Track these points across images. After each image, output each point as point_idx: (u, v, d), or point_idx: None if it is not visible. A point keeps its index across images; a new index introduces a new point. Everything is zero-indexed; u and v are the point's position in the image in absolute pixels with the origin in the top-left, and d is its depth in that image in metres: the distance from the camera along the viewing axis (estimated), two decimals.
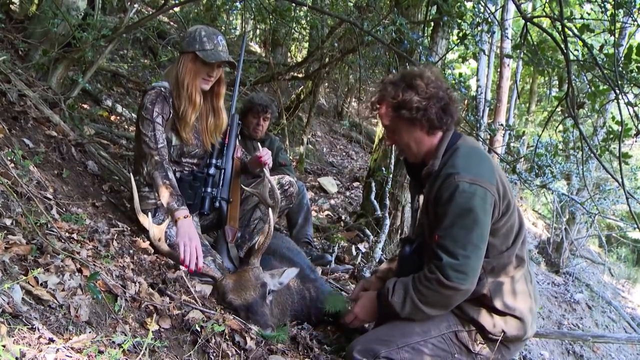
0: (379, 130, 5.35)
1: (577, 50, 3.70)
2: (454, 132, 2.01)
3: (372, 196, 4.80)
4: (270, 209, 2.29)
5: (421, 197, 2.19)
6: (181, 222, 2.28)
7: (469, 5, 3.99)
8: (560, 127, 5.90)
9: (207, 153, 2.64)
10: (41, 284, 1.53)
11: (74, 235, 1.94)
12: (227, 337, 1.84)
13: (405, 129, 1.98)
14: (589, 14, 3.91)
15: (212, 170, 2.59)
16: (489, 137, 6.83)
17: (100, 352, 1.34)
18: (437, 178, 1.91)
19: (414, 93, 1.90)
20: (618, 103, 3.15)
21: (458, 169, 1.85)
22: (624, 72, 3.13)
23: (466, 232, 1.81)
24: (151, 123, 2.37)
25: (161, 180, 2.34)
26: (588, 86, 3.73)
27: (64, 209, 2.21)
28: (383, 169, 4.76)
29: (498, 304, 1.93)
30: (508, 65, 9.01)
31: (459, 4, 3.78)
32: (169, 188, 2.33)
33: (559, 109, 4.13)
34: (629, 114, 3.23)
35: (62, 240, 1.83)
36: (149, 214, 2.44)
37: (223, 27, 6.42)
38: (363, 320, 2.17)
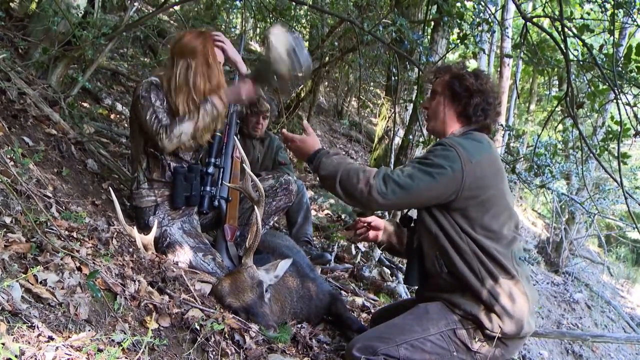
0: (379, 129, 5.36)
1: (577, 50, 3.70)
2: (476, 129, 2.15)
3: None
4: (255, 206, 2.28)
5: None
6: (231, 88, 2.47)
7: (469, 5, 3.99)
8: (560, 127, 5.91)
9: (202, 147, 2.62)
10: (41, 282, 1.53)
11: (74, 234, 1.94)
12: (226, 335, 1.84)
13: (445, 99, 2.14)
14: (588, 14, 3.90)
15: (211, 169, 2.58)
16: None
17: (100, 351, 1.34)
18: None
19: (473, 78, 2.10)
20: (617, 103, 3.16)
21: (451, 139, 2.02)
22: (623, 72, 3.13)
23: (413, 166, 1.95)
24: (151, 106, 2.38)
25: (185, 122, 2.36)
26: (587, 86, 3.73)
27: (64, 207, 2.21)
28: None
29: (496, 305, 1.94)
30: (508, 64, 9.01)
31: (459, 3, 3.78)
32: (192, 117, 2.38)
33: (558, 108, 4.14)
34: (628, 114, 3.24)
35: (62, 239, 1.83)
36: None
37: (223, 26, 6.42)
38: (292, 148, 2.21)
